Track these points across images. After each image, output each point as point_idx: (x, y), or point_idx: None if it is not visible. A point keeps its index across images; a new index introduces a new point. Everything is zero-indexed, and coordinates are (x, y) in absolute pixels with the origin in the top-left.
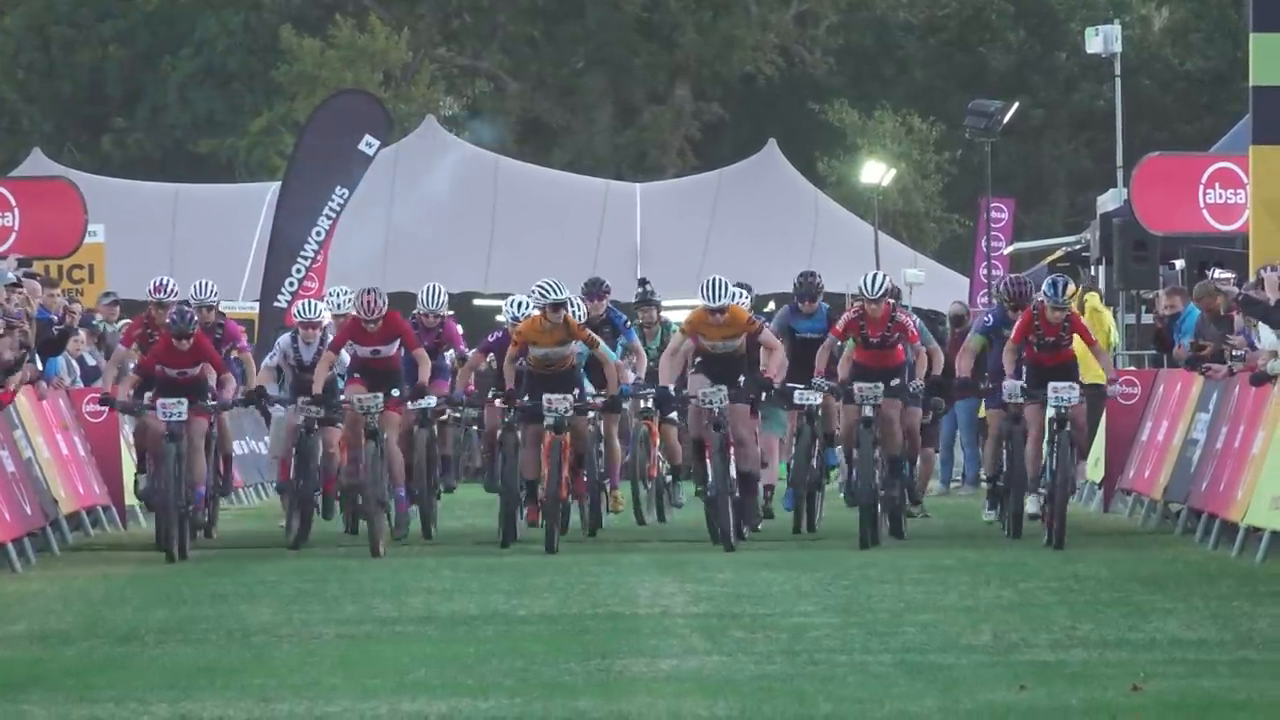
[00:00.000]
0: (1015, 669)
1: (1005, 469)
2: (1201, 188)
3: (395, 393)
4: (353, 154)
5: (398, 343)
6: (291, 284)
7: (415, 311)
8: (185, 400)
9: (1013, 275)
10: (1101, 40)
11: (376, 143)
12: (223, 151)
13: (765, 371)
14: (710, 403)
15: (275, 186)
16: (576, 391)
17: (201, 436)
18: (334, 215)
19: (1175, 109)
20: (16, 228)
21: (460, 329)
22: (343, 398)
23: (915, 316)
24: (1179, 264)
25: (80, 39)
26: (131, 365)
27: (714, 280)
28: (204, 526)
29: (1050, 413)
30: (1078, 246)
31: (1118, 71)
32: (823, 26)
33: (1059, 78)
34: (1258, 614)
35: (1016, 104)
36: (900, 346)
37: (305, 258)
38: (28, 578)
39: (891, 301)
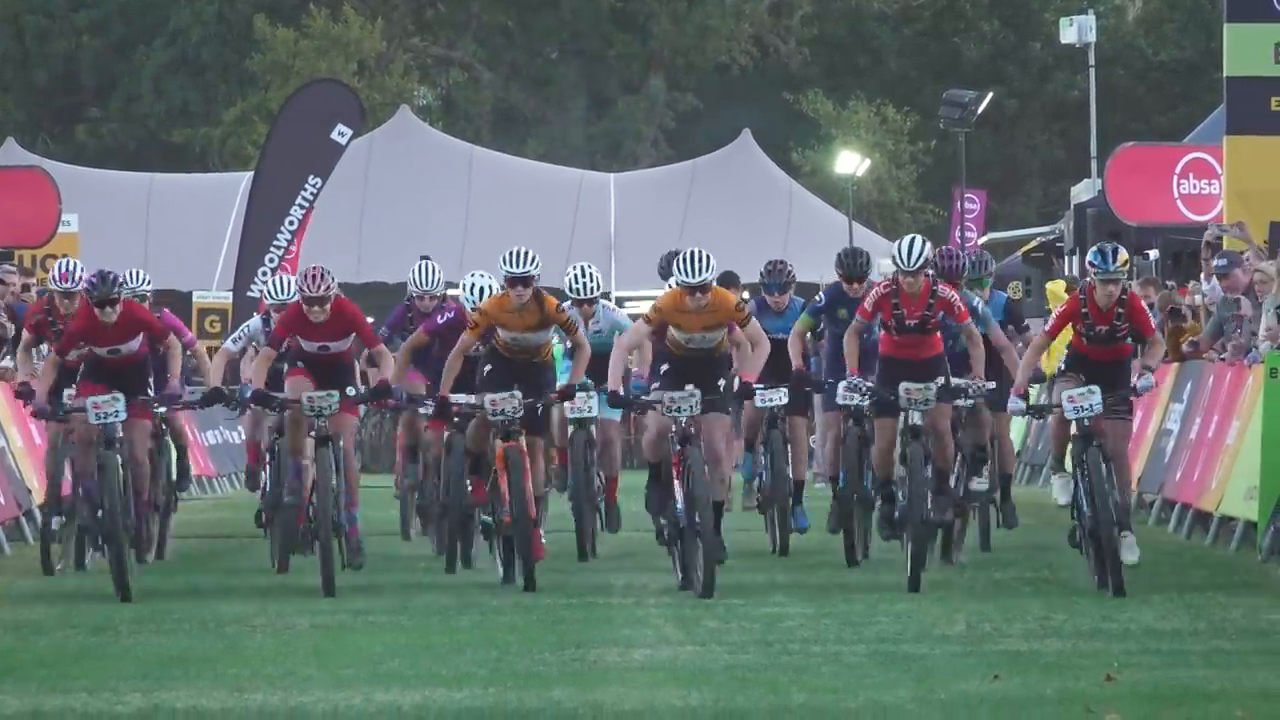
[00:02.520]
0: (989, 659)
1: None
2: (1175, 178)
3: (350, 391)
4: (325, 143)
5: (351, 338)
6: (264, 273)
7: (409, 295)
8: (121, 396)
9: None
10: (1076, 30)
11: (349, 131)
12: (196, 141)
13: (742, 373)
14: (678, 411)
15: (249, 176)
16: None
17: (145, 441)
18: (307, 204)
19: (1149, 99)
20: None
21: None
22: (285, 394)
23: (998, 296)
24: (1153, 254)
25: (54, 29)
26: (47, 346)
27: (694, 252)
28: (148, 547)
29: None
30: (1051, 237)
31: (1092, 62)
32: (797, 16)
33: (1033, 68)
34: (1231, 604)
35: (990, 94)
36: (939, 334)
37: (278, 247)
38: (1, 567)
39: (931, 274)
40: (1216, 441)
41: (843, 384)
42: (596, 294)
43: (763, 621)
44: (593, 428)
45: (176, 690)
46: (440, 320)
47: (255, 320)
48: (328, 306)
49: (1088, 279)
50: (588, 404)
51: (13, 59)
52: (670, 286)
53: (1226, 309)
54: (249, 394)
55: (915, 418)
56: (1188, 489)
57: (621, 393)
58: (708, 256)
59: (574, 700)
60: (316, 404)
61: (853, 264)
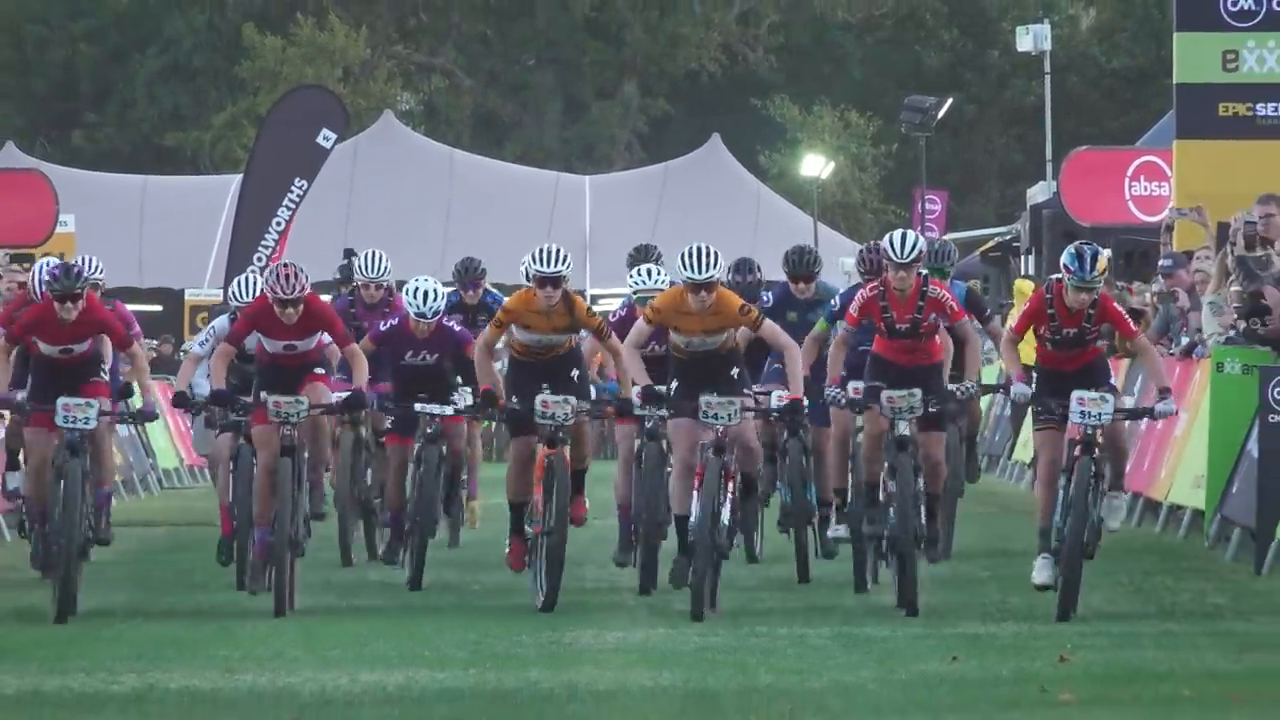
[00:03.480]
0: (948, 641)
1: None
2: (1127, 180)
3: (319, 370)
4: (311, 147)
5: (319, 337)
6: (251, 272)
7: (354, 283)
8: (95, 403)
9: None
10: (1032, 39)
11: (334, 135)
12: (188, 145)
13: (790, 390)
14: (715, 417)
15: (239, 178)
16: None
17: (109, 441)
18: (293, 206)
19: (1102, 105)
20: None
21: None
22: (250, 398)
23: (958, 285)
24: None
25: (52, 37)
26: None
27: (699, 247)
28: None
29: (1072, 431)
30: (1008, 237)
31: (1047, 69)
32: (764, 25)
33: (991, 75)
34: (1179, 589)
35: (950, 100)
36: (937, 338)
37: (265, 247)
38: (2, 554)
39: (924, 273)
40: (1166, 433)
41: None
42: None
43: (731, 606)
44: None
45: (170, 671)
46: (384, 327)
47: (222, 320)
48: (301, 308)
49: (1056, 277)
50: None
51: (12, 66)
52: (633, 279)
53: (1164, 302)
54: (206, 394)
55: (901, 427)
56: (1138, 478)
57: (654, 388)
58: (714, 252)
59: (550, 681)
60: (284, 410)
61: (799, 262)
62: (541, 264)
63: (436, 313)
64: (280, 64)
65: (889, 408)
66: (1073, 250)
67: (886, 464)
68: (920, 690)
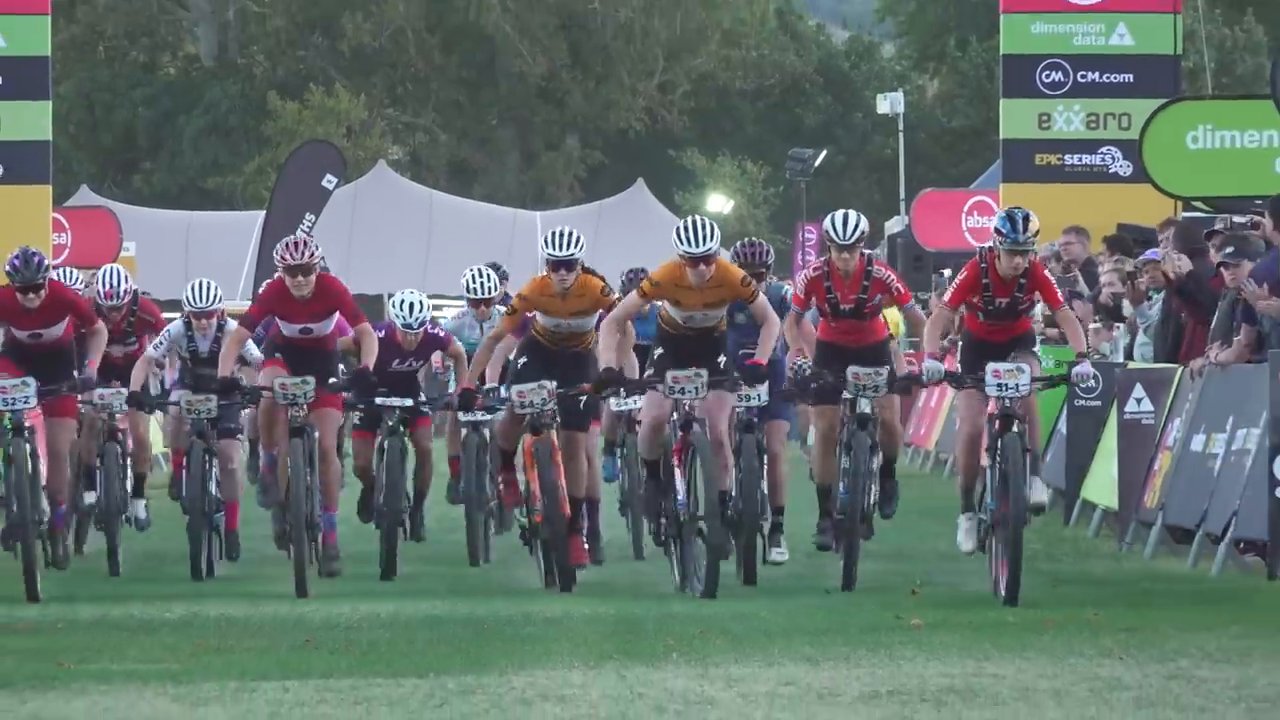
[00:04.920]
0: (825, 579)
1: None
2: (964, 215)
3: (331, 381)
4: (318, 189)
5: (334, 318)
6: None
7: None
8: (31, 381)
9: (748, 239)
10: (889, 104)
11: (335, 179)
12: (224, 187)
13: (755, 356)
14: (681, 393)
15: (263, 214)
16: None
17: (68, 436)
18: (305, 235)
19: (944, 156)
20: (69, 244)
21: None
22: (259, 382)
23: (775, 286)
24: (946, 272)
25: (116, 102)
26: None
27: (695, 219)
28: (59, 559)
29: (991, 406)
30: None
31: (900, 128)
32: (678, 92)
33: (856, 132)
34: (1058, 555)
35: (824, 152)
36: (881, 317)
37: None
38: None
39: (867, 253)
40: None
41: (788, 367)
42: (494, 294)
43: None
44: (486, 430)
45: (208, 604)
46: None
47: (177, 324)
48: (312, 278)
49: (987, 246)
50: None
51: (85, 125)
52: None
53: None
54: (217, 381)
55: (864, 405)
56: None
57: (616, 369)
58: (711, 225)
59: (510, 610)
60: (290, 391)
61: (751, 256)
62: (554, 247)
63: (422, 323)
64: (297, 123)
65: (854, 384)
66: (1003, 214)
67: (843, 447)
68: (802, 617)
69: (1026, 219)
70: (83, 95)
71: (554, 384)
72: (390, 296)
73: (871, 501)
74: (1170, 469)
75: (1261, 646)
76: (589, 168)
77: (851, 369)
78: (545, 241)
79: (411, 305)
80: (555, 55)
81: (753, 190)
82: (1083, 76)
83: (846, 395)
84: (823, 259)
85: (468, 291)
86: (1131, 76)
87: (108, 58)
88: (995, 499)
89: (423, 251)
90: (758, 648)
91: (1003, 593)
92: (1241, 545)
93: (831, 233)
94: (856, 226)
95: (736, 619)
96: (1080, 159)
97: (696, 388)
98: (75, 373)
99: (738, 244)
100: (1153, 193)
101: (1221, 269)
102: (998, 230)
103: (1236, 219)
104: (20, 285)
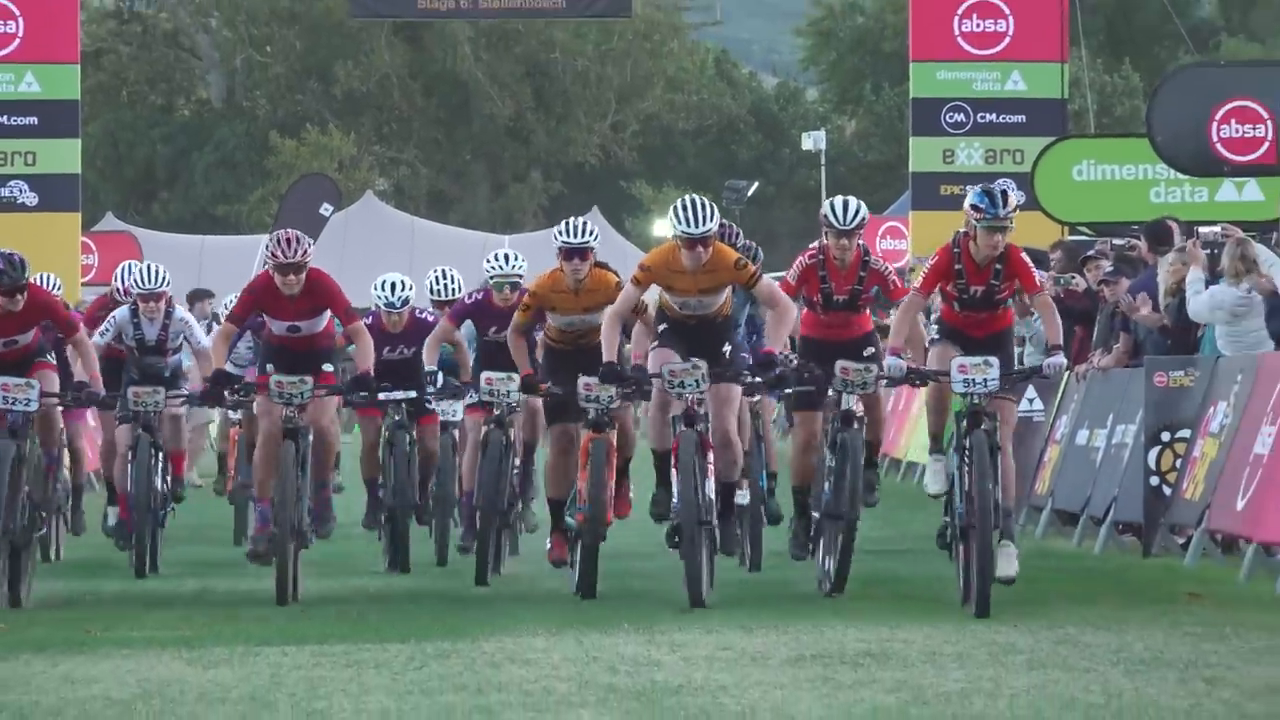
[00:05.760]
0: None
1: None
2: (878, 238)
3: (328, 367)
4: (315, 216)
5: (325, 317)
6: None
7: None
8: (35, 384)
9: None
10: (812, 141)
11: (330, 208)
12: (232, 215)
13: (766, 345)
14: (681, 385)
15: (266, 238)
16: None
17: (54, 438)
18: None
19: (861, 186)
20: (95, 264)
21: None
22: (252, 381)
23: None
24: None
25: (137, 140)
26: None
27: (692, 199)
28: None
29: (956, 403)
30: None
31: (823, 162)
32: (628, 131)
33: (784, 166)
34: (913, 519)
35: (756, 183)
36: (867, 312)
37: None
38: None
39: (863, 243)
40: (905, 410)
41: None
42: (456, 296)
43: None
44: (455, 431)
45: (217, 579)
46: (470, 300)
47: (123, 310)
48: (302, 277)
49: (961, 231)
50: (452, 406)
51: (110, 160)
52: (489, 264)
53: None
54: (208, 378)
55: (850, 402)
56: (889, 444)
57: (618, 366)
58: (710, 204)
59: (481, 587)
60: (286, 390)
61: (720, 238)
62: (567, 234)
63: (405, 302)
64: (295, 158)
65: (841, 380)
66: (979, 190)
67: (827, 444)
68: (736, 589)
69: (1005, 195)
70: (108, 134)
71: (617, 386)
72: None
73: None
74: (1058, 460)
75: (1137, 616)
76: (550, 197)
77: (840, 363)
78: (558, 231)
79: (393, 284)
80: (521, 99)
81: None
82: (982, 117)
83: (833, 392)
84: (817, 245)
85: (430, 293)
86: (1024, 117)
87: (130, 101)
88: (964, 503)
89: (405, 270)
90: (699, 618)
91: (973, 608)
92: (1120, 527)
93: (831, 217)
94: (857, 212)
95: (682, 593)
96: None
97: (696, 381)
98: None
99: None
100: (1043, 219)
101: (1102, 286)
102: (974, 207)
103: (1116, 241)
104: (5, 288)
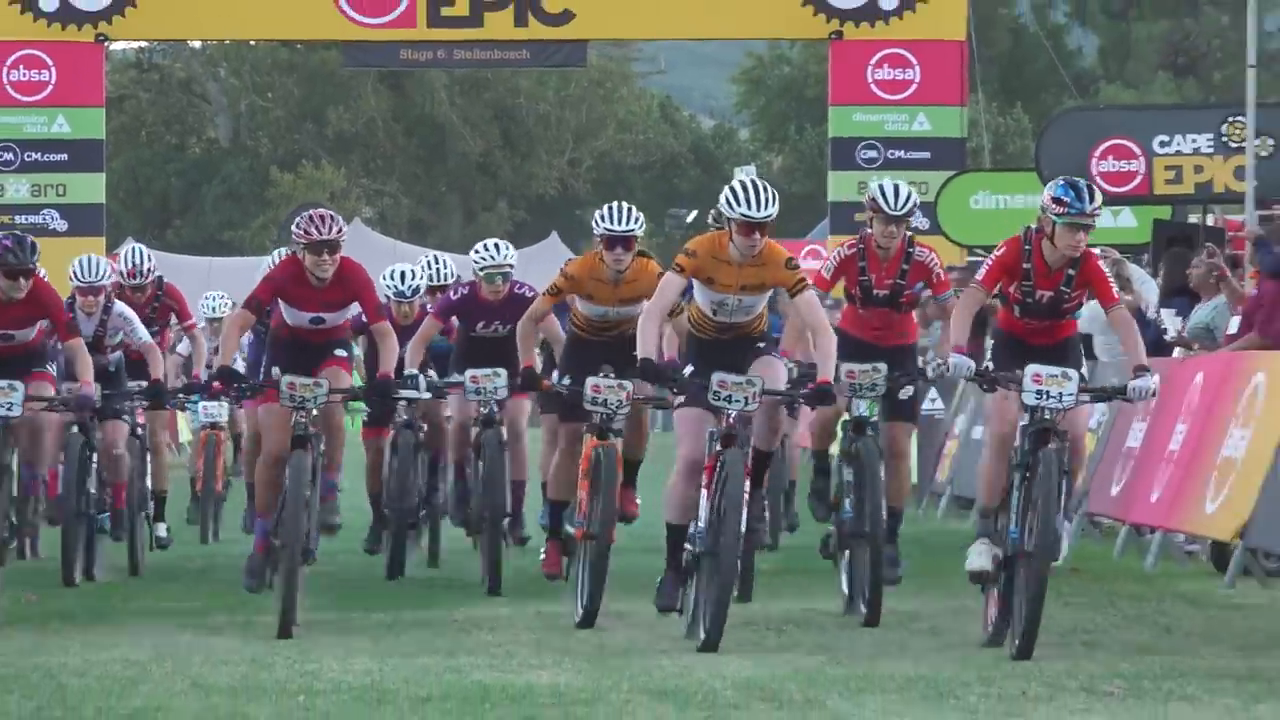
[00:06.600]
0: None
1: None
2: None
3: (341, 352)
4: None
5: (349, 310)
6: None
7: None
8: (20, 388)
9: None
10: (744, 174)
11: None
12: (237, 239)
13: (815, 368)
14: (729, 400)
15: (268, 259)
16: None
17: (40, 453)
18: None
19: (786, 214)
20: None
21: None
22: (262, 379)
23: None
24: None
25: (154, 174)
26: None
27: (753, 180)
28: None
29: (1023, 418)
30: None
31: None
32: (584, 166)
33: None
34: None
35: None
36: (912, 315)
37: None
38: None
39: (909, 233)
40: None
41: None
42: (419, 296)
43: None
44: (420, 433)
45: (219, 558)
46: (455, 296)
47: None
48: (338, 258)
49: (1033, 227)
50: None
51: (131, 192)
52: (476, 254)
53: None
54: (213, 373)
55: (862, 408)
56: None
57: (656, 362)
58: (771, 189)
59: (452, 568)
60: (299, 394)
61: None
62: (611, 221)
63: (416, 291)
64: (292, 190)
65: (848, 383)
66: (1062, 182)
67: (840, 451)
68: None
69: (1091, 189)
70: (129, 169)
71: (631, 386)
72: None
73: (884, 515)
74: (957, 452)
75: None
76: (515, 224)
77: (846, 366)
78: (600, 217)
79: (404, 273)
80: (490, 138)
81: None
82: (892, 154)
83: (843, 396)
84: (857, 236)
85: (386, 289)
86: (929, 154)
87: (148, 140)
88: (1018, 527)
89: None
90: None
91: (1017, 643)
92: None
93: (881, 201)
94: (909, 198)
95: (629, 571)
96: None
97: (747, 398)
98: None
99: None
100: (945, 242)
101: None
102: (1056, 200)
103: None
104: (10, 269)
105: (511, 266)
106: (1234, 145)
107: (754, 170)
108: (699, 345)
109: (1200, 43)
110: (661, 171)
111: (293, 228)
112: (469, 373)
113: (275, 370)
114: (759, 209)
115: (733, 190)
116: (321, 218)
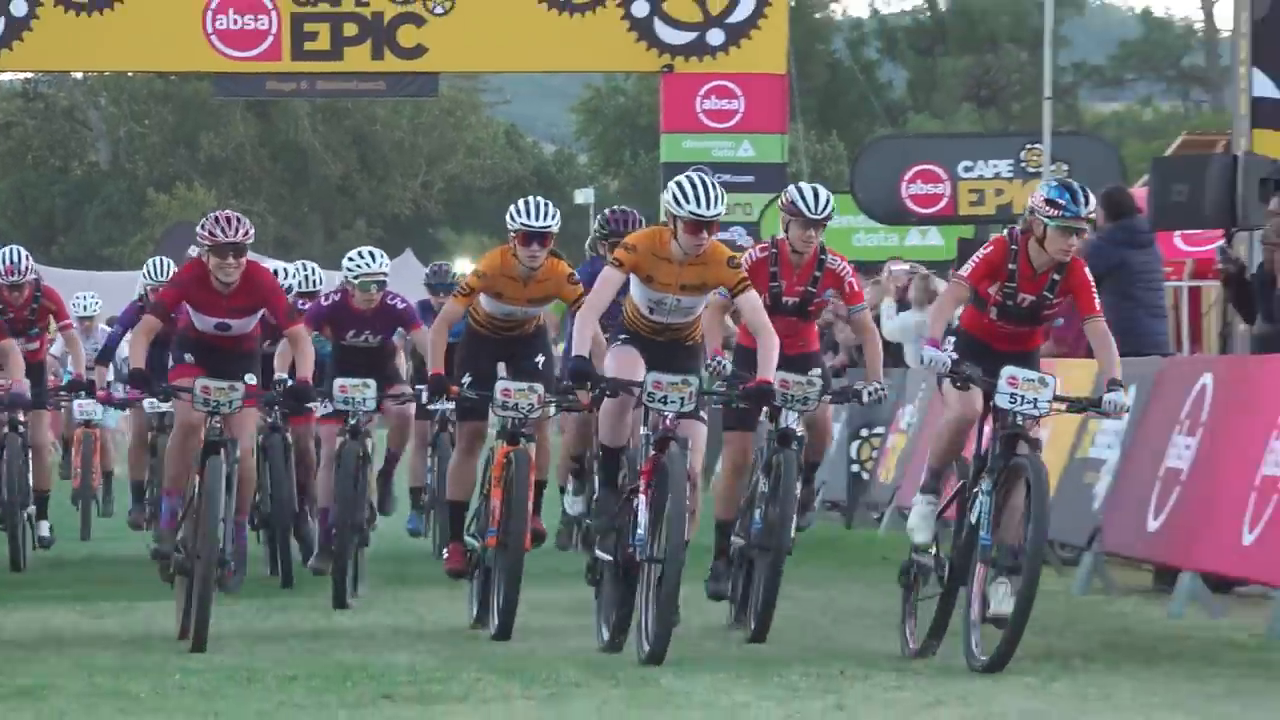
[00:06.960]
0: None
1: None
2: None
3: (250, 379)
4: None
5: (258, 317)
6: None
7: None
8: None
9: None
10: (583, 196)
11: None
12: (116, 255)
13: (760, 373)
14: (664, 401)
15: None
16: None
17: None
18: None
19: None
20: None
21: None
22: (176, 383)
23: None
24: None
25: (40, 195)
26: None
27: (700, 178)
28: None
29: (986, 427)
30: None
31: (592, 214)
32: (436, 189)
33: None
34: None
35: None
36: (815, 323)
37: None
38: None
39: (822, 241)
40: None
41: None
42: (319, 289)
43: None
44: (371, 442)
45: (105, 547)
46: (326, 303)
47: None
48: (243, 262)
49: (1019, 228)
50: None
51: (19, 211)
52: (349, 262)
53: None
54: (126, 375)
55: (791, 419)
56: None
57: (588, 358)
58: (718, 186)
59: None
60: (214, 397)
61: (623, 224)
62: (528, 216)
63: (289, 290)
64: (168, 210)
65: (781, 395)
66: (1055, 183)
67: (761, 463)
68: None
69: (1085, 192)
70: (16, 190)
71: (542, 388)
72: None
73: (792, 531)
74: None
75: (842, 576)
76: (373, 241)
77: (780, 375)
78: (516, 211)
79: (276, 272)
80: (349, 162)
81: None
82: (719, 178)
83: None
84: (769, 240)
85: (296, 286)
86: (753, 178)
87: (34, 164)
88: (989, 533)
89: None
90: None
91: (982, 658)
92: (829, 505)
93: (800, 205)
94: (828, 203)
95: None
96: (718, 236)
97: (683, 399)
98: None
99: (605, 211)
100: None
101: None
102: (1050, 202)
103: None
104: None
105: (385, 275)
106: (1031, 170)
107: (592, 193)
108: (631, 338)
109: (1000, 77)
110: (507, 193)
111: (197, 229)
112: (337, 382)
113: (189, 357)
114: (708, 206)
115: (680, 187)
116: (228, 219)
